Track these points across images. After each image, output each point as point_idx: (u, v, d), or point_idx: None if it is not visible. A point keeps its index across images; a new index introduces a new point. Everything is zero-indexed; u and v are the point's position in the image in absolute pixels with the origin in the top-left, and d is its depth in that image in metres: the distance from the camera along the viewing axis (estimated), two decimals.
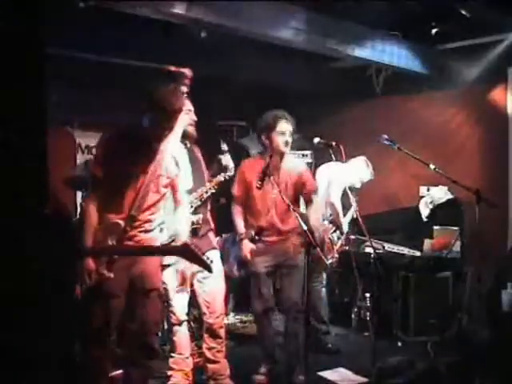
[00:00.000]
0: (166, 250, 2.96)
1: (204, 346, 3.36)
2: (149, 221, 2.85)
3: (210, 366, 3.33)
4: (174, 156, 2.89)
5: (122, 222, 2.75)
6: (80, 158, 5.01)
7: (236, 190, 3.64)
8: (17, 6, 1.40)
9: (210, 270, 2.68)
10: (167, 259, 3.25)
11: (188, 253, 2.63)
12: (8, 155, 1.35)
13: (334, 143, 3.65)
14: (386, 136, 3.71)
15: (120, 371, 3.08)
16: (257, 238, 3.58)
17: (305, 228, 3.17)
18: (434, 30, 4.76)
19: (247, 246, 3.59)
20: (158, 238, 2.95)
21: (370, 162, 4.55)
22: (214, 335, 3.33)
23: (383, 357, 3.69)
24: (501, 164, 4.95)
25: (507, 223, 4.89)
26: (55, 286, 1.51)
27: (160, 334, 4.07)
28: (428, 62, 5.06)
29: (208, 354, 3.33)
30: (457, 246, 4.71)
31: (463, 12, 4.22)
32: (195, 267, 3.27)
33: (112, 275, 2.67)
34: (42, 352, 1.49)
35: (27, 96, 1.43)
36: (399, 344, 4.43)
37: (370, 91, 5.55)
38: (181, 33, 4.12)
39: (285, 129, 3.53)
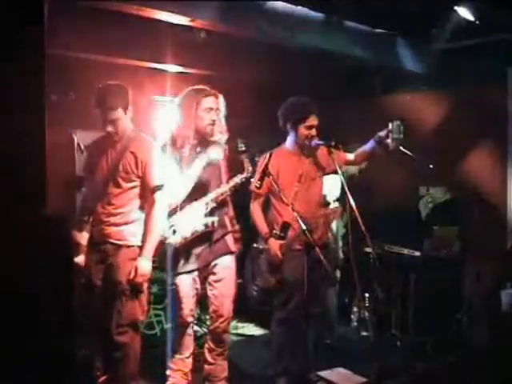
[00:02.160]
0: None
1: (206, 346, 3.32)
2: (115, 214, 3.01)
3: (206, 366, 3.31)
4: (134, 152, 3.01)
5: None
6: (79, 158, 4.99)
7: (258, 185, 3.40)
8: (17, 6, 1.40)
9: None
10: (183, 266, 3.19)
11: None
12: (8, 155, 1.35)
13: (333, 143, 3.64)
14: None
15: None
16: (282, 234, 3.39)
17: (304, 228, 3.16)
18: (434, 30, 4.76)
19: (275, 244, 3.40)
20: (136, 234, 3.05)
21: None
22: (217, 339, 3.27)
23: (383, 357, 3.68)
24: (500, 164, 4.95)
25: (507, 223, 4.89)
26: (54, 287, 1.51)
27: (159, 333, 4.08)
28: (428, 62, 5.06)
29: (207, 355, 3.30)
30: (457, 246, 4.71)
31: (463, 12, 4.22)
32: (207, 270, 3.25)
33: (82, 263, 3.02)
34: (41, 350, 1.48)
35: (27, 96, 1.43)
36: (398, 344, 4.43)
37: (369, 91, 5.55)
38: (180, 33, 4.12)
39: (313, 122, 3.51)
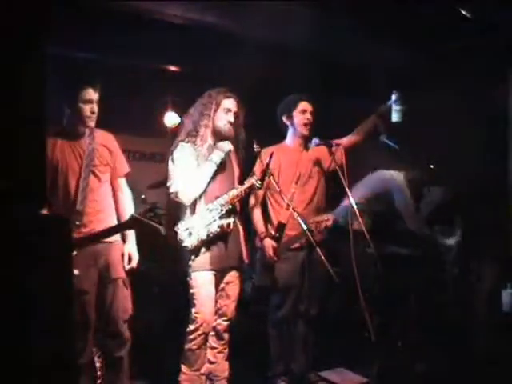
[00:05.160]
0: (118, 228, 3.04)
1: (207, 344, 3.31)
2: (100, 211, 3.02)
3: (208, 365, 3.31)
4: (104, 144, 3.07)
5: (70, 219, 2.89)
6: None
7: (259, 185, 3.30)
8: (17, 6, 1.40)
9: (160, 232, 2.83)
10: (198, 264, 3.13)
11: (137, 223, 2.80)
12: (6, 155, 1.35)
13: (334, 143, 3.63)
14: (385, 135, 3.71)
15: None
16: (277, 235, 3.39)
17: (304, 228, 3.16)
18: (433, 30, 4.76)
19: (269, 245, 3.43)
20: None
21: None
22: (218, 337, 3.29)
23: (383, 357, 3.68)
24: (501, 164, 4.95)
25: (507, 223, 4.89)
26: (54, 287, 1.51)
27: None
28: (427, 62, 5.05)
29: (209, 354, 3.31)
30: (457, 246, 4.71)
31: (463, 12, 4.21)
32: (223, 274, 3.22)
33: (77, 272, 2.78)
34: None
35: (27, 96, 1.43)
36: (399, 344, 4.43)
37: (369, 90, 5.54)
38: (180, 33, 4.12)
39: (306, 107, 3.53)
